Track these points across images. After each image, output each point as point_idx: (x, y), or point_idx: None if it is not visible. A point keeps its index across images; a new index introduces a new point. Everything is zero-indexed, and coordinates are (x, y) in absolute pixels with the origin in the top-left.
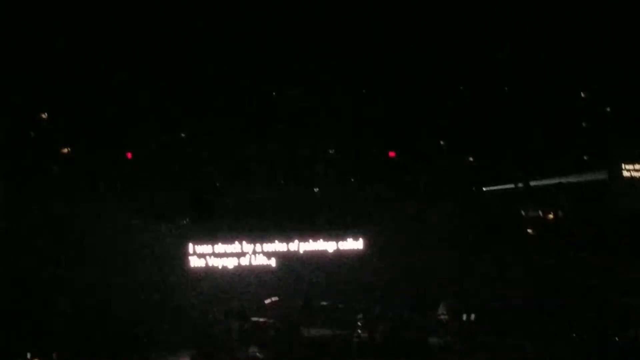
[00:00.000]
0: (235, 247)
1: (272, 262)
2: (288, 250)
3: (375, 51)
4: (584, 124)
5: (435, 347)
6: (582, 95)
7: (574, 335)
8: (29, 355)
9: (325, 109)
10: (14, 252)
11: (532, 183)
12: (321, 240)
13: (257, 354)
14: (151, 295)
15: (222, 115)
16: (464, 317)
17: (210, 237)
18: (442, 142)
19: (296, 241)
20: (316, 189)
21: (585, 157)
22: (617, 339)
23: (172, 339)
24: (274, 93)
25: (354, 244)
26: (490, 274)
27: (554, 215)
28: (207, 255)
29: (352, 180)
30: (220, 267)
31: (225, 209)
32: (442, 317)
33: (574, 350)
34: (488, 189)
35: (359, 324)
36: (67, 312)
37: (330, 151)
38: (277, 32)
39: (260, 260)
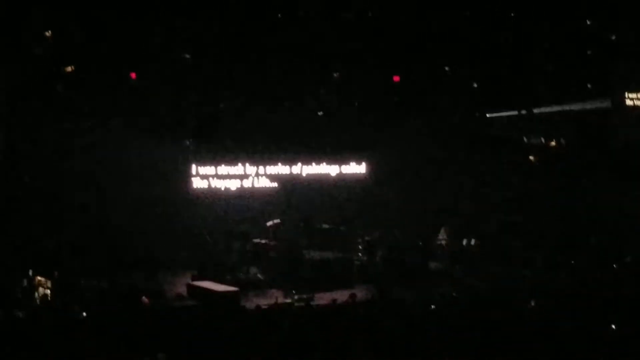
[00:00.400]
0: (238, 169)
1: (275, 185)
2: (291, 173)
3: None
4: (588, 52)
5: (435, 272)
6: (587, 22)
7: (573, 262)
8: (30, 273)
9: (331, 32)
10: (17, 171)
11: (535, 110)
12: (324, 163)
13: (259, 275)
14: (153, 216)
15: (227, 36)
16: (464, 242)
17: (213, 158)
18: (446, 68)
19: (299, 164)
20: (320, 112)
21: (589, 85)
22: (614, 265)
23: (173, 259)
24: (279, 15)
25: (357, 168)
26: (493, 200)
27: (557, 142)
28: (209, 177)
29: (356, 104)
30: (222, 188)
31: (229, 131)
32: (442, 242)
33: (572, 277)
34: (492, 115)
35: (360, 247)
36: (69, 232)
37: (335, 74)
38: None
39: (263, 183)
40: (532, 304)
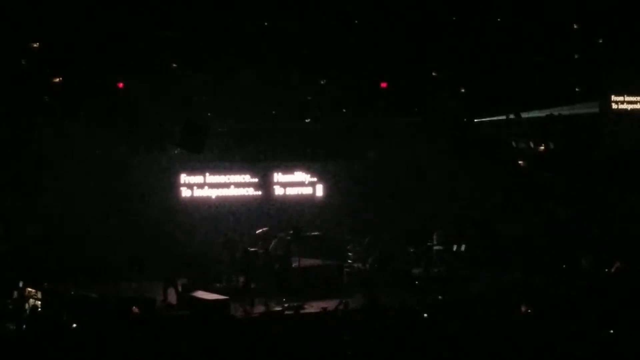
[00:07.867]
0: (226, 177)
1: (262, 193)
2: (278, 180)
3: None
4: (576, 55)
5: (424, 278)
6: (575, 26)
7: (559, 268)
8: (21, 284)
9: (317, 39)
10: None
11: (523, 115)
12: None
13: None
14: (142, 225)
15: (215, 42)
16: (454, 247)
17: (201, 167)
18: (434, 74)
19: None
20: (307, 120)
21: (577, 89)
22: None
23: (163, 268)
24: (265, 23)
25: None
26: (482, 204)
27: (545, 146)
28: (198, 186)
29: (344, 111)
30: (213, 197)
31: (216, 140)
32: (435, 247)
33: (555, 282)
34: (479, 120)
35: (350, 254)
36: (58, 243)
37: (322, 81)
38: None
39: (250, 191)
40: (523, 309)
